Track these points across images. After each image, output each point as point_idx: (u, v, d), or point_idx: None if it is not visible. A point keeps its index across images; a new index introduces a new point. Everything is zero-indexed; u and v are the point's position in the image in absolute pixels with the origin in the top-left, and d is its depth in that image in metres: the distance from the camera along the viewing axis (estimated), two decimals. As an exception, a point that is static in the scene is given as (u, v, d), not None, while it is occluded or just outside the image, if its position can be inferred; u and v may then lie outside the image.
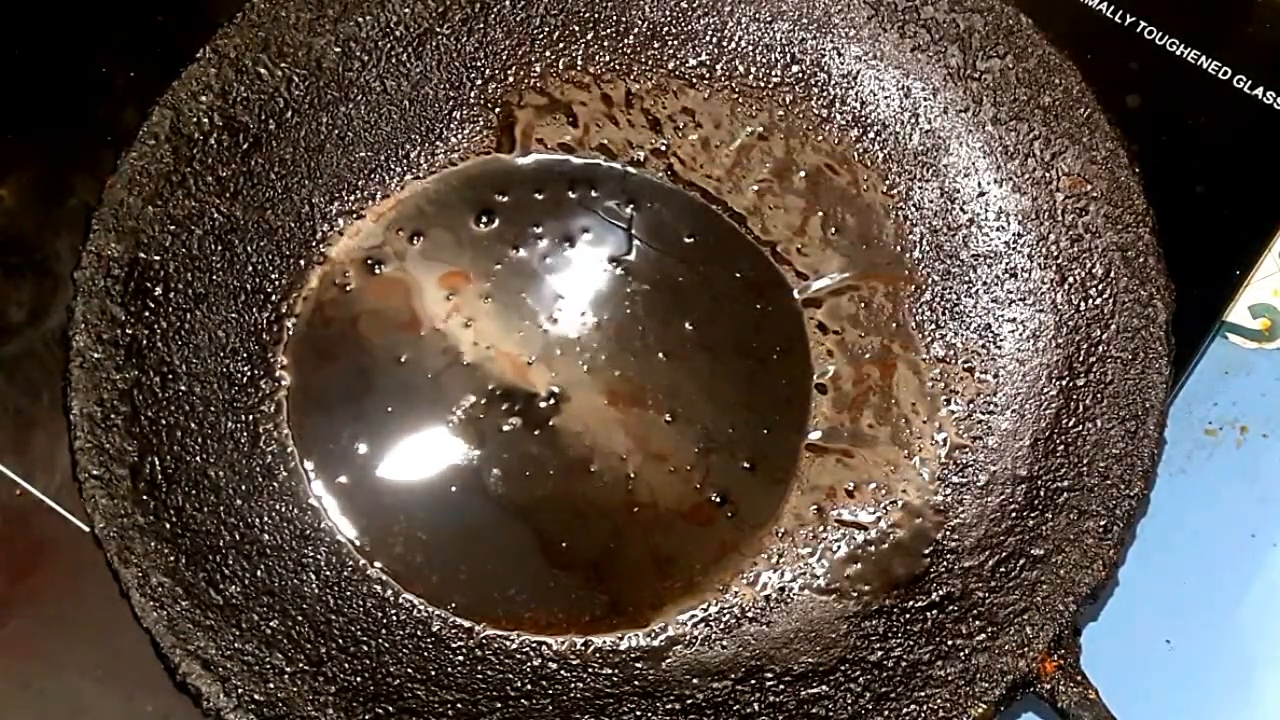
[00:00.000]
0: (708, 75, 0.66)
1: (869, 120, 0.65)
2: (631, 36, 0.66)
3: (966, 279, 0.63)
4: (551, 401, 0.62)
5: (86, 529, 0.56)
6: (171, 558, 0.55)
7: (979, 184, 0.63)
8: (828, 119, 0.65)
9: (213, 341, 0.60)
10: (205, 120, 0.61)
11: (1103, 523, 0.57)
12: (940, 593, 0.58)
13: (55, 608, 0.61)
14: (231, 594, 0.56)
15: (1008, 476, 0.60)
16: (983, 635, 0.56)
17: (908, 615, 0.58)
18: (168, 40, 0.62)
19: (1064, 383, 0.60)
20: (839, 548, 0.60)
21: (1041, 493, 0.59)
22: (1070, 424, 0.59)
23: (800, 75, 0.65)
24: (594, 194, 0.64)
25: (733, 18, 0.65)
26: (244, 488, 0.59)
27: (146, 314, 0.59)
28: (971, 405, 0.62)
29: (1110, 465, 0.58)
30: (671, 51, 0.66)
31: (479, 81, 0.65)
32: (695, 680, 0.58)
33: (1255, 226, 0.67)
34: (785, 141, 0.65)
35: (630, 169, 0.65)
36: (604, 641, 0.59)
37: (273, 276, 0.62)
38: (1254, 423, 0.68)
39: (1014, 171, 0.63)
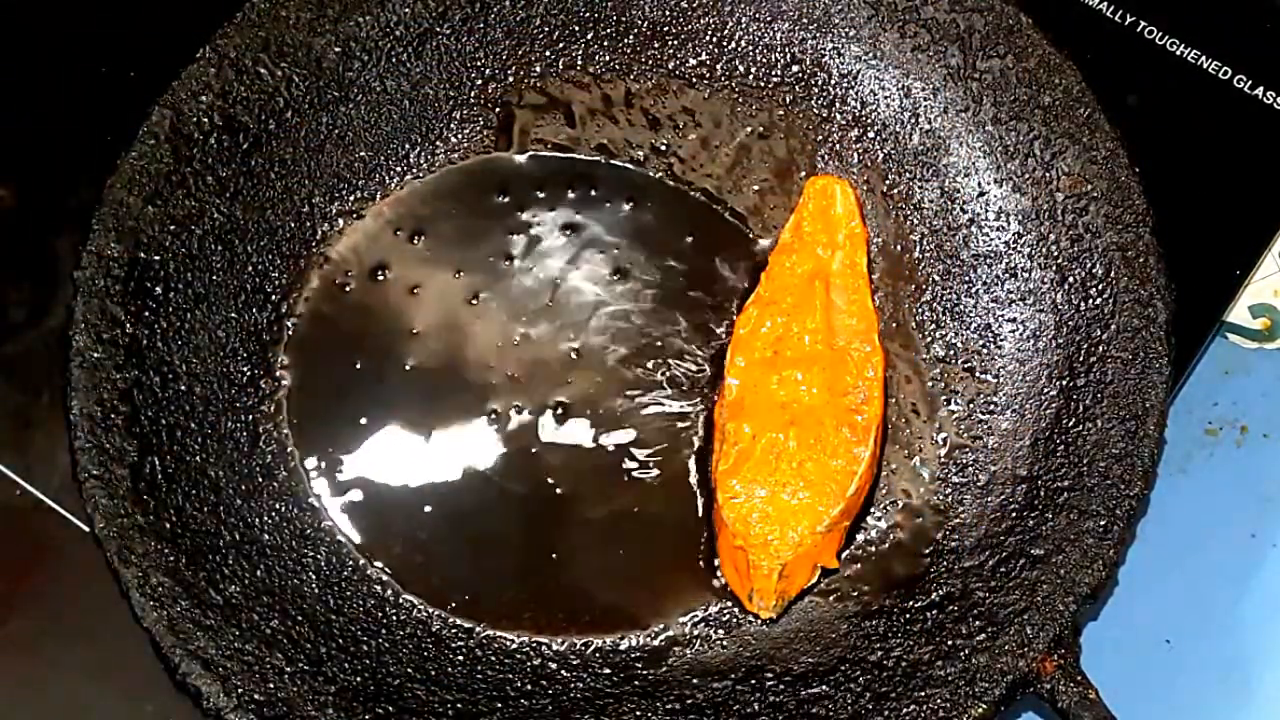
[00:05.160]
0: (708, 75, 0.66)
1: (869, 120, 0.65)
2: (631, 36, 0.66)
3: (966, 279, 0.63)
4: (552, 401, 0.61)
5: (86, 529, 0.56)
6: (171, 558, 0.55)
7: (979, 184, 0.63)
8: (828, 119, 0.65)
9: (213, 341, 0.60)
10: (205, 120, 0.61)
11: (1103, 523, 0.57)
12: (940, 593, 0.58)
13: (55, 608, 0.61)
14: (231, 594, 0.56)
15: (1008, 476, 0.60)
16: (983, 635, 0.56)
17: (908, 615, 0.58)
18: (168, 40, 0.62)
19: (1064, 383, 0.60)
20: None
21: (1041, 493, 0.59)
22: (1070, 424, 0.59)
23: (800, 75, 0.65)
24: (593, 193, 0.64)
25: (733, 18, 0.65)
26: (244, 488, 0.59)
27: (146, 314, 0.59)
28: (971, 405, 0.62)
29: (1110, 465, 0.58)
30: (671, 51, 0.66)
31: (479, 81, 0.65)
32: (695, 680, 0.58)
33: (1255, 226, 0.67)
34: (785, 141, 0.65)
35: (630, 168, 0.65)
36: (604, 641, 0.59)
37: (273, 276, 0.62)
38: (1254, 423, 0.68)
39: (1014, 171, 0.63)
